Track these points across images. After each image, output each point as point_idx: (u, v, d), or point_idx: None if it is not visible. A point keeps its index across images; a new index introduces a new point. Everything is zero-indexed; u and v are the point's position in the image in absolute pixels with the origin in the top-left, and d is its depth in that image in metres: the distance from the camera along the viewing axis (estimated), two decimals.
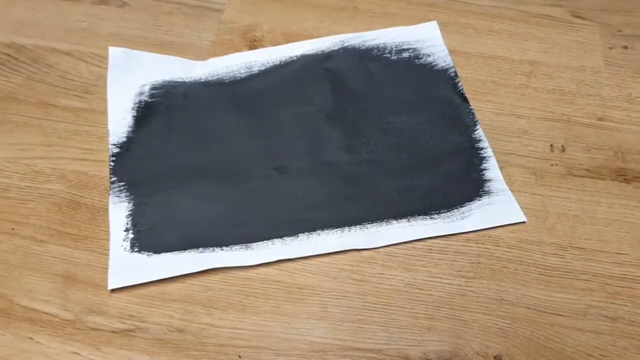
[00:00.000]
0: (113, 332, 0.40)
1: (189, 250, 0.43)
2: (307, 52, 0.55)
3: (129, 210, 0.46)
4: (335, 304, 0.42)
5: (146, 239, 0.44)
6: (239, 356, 0.39)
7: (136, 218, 0.45)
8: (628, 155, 0.49)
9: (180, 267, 0.43)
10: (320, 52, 0.55)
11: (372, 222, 0.45)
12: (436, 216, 0.45)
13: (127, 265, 0.43)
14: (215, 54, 0.56)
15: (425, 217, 0.45)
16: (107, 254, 0.43)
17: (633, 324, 0.41)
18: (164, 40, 0.56)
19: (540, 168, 0.48)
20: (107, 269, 0.42)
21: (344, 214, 0.46)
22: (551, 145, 0.50)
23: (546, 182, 0.48)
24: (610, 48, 0.57)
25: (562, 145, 0.50)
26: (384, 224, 0.45)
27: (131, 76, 0.53)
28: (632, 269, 0.43)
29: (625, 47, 0.57)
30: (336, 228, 0.45)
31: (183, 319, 0.41)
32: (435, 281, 0.43)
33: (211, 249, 0.44)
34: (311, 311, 0.41)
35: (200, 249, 0.44)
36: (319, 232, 0.45)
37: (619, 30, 0.58)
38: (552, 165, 0.49)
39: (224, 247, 0.44)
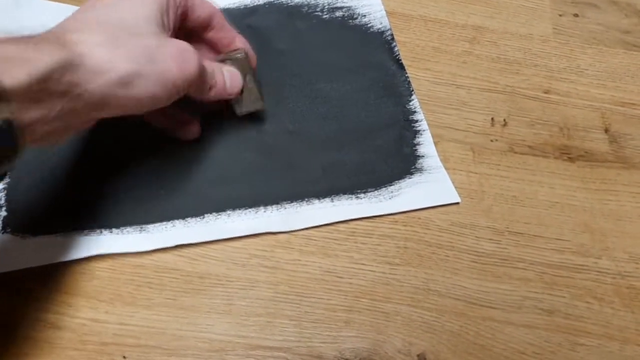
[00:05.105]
0: None
1: (72, 232, 0.37)
2: (227, 6, 0.48)
3: (4, 184, 0.39)
4: (242, 295, 0.36)
5: (22, 218, 0.37)
6: (124, 357, 0.34)
7: (12, 193, 0.38)
8: (574, 132, 0.45)
9: (60, 253, 0.36)
10: (242, 7, 0.48)
11: (292, 202, 0.40)
12: (362, 195, 0.40)
13: None
14: None
15: (350, 196, 0.40)
16: None
17: (569, 317, 0.37)
18: None
19: (479, 144, 0.44)
20: None
21: (259, 192, 0.40)
22: (492, 119, 0.45)
23: (485, 160, 0.43)
24: (560, 15, 0.52)
25: (504, 120, 0.45)
26: (304, 203, 0.40)
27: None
28: (571, 256, 0.39)
29: (576, 15, 0.53)
30: (249, 207, 0.39)
31: (60, 312, 0.35)
32: (357, 268, 0.38)
33: (99, 231, 0.37)
34: (213, 304, 0.36)
35: (86, 231, 0.37)
36: (229, 212, 0.39)
37: None
38: (492, 140, 0.44)
39: (113, 230, 0.37)
